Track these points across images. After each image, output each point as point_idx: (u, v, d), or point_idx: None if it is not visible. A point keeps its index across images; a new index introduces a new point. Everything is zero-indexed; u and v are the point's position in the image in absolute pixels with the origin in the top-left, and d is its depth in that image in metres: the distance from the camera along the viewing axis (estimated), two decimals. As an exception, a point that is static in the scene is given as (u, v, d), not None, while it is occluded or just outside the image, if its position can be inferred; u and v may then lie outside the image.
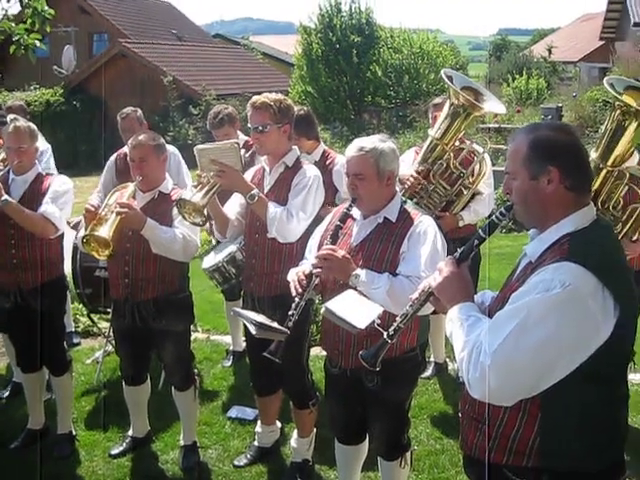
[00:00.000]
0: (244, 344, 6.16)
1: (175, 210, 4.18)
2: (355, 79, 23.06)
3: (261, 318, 3.39)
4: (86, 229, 4.08)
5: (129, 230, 4.17)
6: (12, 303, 4.68)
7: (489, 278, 5.29)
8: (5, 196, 4.34)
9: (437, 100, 5.45)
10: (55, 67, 21.46)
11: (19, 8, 6.35)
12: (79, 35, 26.90)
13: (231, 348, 6.30)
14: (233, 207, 4.24)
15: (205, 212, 3.90)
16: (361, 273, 3.27)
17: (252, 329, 3.38)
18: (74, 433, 5.04)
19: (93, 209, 4.12)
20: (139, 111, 5.86)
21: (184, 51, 27.63)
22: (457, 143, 5.01)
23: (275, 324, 3.34)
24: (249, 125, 4.06)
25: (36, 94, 22.80)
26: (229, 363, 6.17)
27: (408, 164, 5.10)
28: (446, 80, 4.91)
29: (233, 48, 35.37)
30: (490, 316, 2.34)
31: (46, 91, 23.28)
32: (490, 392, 2.19)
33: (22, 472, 4.67)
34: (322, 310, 3.14)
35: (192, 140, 19.11)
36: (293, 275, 3.46)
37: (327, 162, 5.06)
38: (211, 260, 4.76)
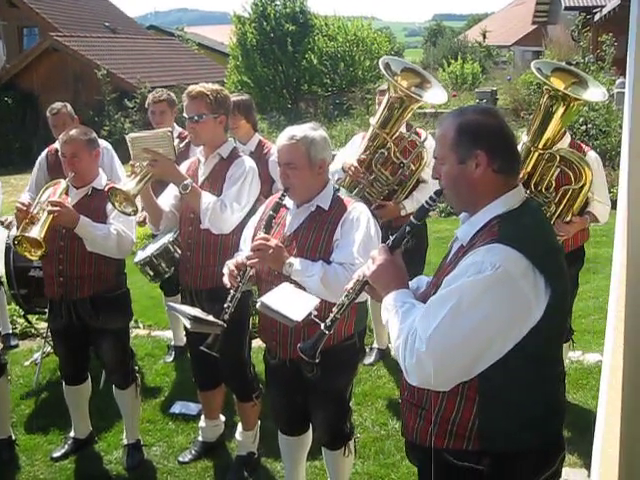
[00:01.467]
0: (185, 339, 6.12)
1: (109, 206, 4.11)
2: (291, 68, 23.03)
3: (195, 311, 3.37)
4: (18, 228, 3.98)
5: (62, 228, 4.08)
6: None
7: (429, 262, 5.34)
8: None
9: (383, 86, 5.45)
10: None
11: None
12: (8, 29, 26.34)
13: (172, 343, 6.25)
14: (167, 199, 4.19)
15: (137, 202, 3.81)
16: (295, 261, 3.26)
17: (187, 323, 3.36)
18: (13, 438, 4.92)
19: (24, 208, 4.02)
20: (69, 106, 5.74)
21: (117, 44, 27.18)
22: (399, 132, 5.00)
23: (210, 317, 3.32)
24: (184, 115, 4.00)
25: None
26: (171, 358, 6.11)
27: (355, 149, 5.11)
28: (384, 72, 4.89)
29: (168, 39, 34.95)
30: (425, 302, 2.34)
31: (-23, 89, 22.75)
32: (427, 378, 2.20)
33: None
34: (258, 305, 3.11)
35: (128, 133, 18.88)
36: (227, 268, 3.43)
37: (263, 152, 5.02)
38: (142, 254, 4.69)
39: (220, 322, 3.30)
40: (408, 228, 2.50)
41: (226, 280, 3.39)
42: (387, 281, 2.46)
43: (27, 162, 17.89)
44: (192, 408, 5.22)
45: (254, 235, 3.50)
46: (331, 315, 2.65)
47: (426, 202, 2.49)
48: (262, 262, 3.29)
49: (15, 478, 4.60)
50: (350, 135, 14.78)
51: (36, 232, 3.84)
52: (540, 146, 4.18)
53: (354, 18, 26.35)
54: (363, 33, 24.46)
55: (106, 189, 4.16)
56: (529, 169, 4.25)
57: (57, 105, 5.72)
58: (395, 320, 2.32)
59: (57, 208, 3.93)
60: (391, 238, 2.52)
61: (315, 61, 23.09)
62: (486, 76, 23.81)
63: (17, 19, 28.10)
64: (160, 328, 6.87)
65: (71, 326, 4.34)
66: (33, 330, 6.71)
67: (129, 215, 3.95)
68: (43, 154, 5.87)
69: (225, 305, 3.34)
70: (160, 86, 22.02)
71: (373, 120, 5.02)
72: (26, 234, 3.87)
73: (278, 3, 23.27)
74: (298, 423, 3.80)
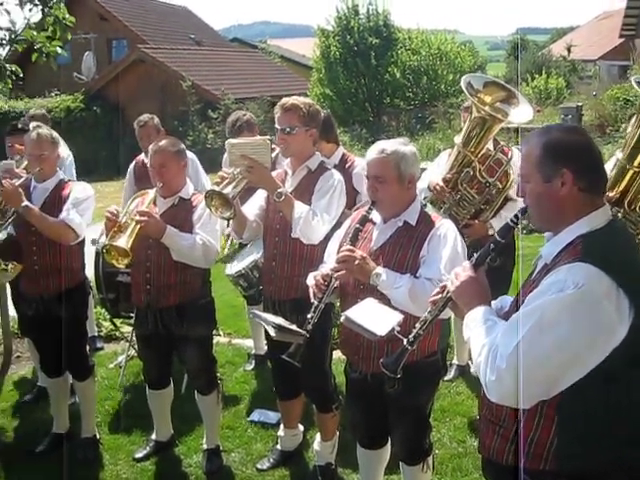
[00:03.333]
0: (266, 348, 6.19)
1: (196, 216, 4.21)
2: (373, 81, 23.09)
3: (279, 320, 3.41)
4: (107, 236, 4.10)
5: (150, 237, 4.18)
6: (35, 310, 4.73)
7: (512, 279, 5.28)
8: (26, 202, 4.39)
9: (467, 103, 5.39)
10: (75, 74, 21.64)
11: (40, 15, 6.38)
12: (98, 41, 27.05)
13: (253, 352, 6.32)
14: (252, 209, 4.25)
15: (234, 206, 3.85)
16: (382, 272, 3.27)
17: (271, 331, 3.40)
18: (98, 437, 5.08)
19: (113, 217, 4.13)
20: (156, 118, 5.90)
21: (202, 56, 27.74)
22: (485, 150, 4.95)
23: (294, 327, 3.36)
24: (276, 126, 4.06)
25: (57, 100, 23.00)
26: (251, 367, 6.19)
27: (441, 167, 5.11)
28: (466, 91, 4.86)
29: (251, 52, 35.46)
30: (507, 320, 2.34)
31: (67, 97, 23.46)
32: (507, 395, 2.21)
33: (47, 476, 4.71)
34: (342, 318, 3.14)
35: (211, 144, 19.21)
36: (312, 279, 3.47)
37: (347, 165, 5.06)
38: (235, 267, 4.79)
39: (303, 332, 3.33)
40: (492, 246, 2.51)
41: (311, 291, 3.43)
42: (470, 298, 2.46)
43: (112, 170, 18.40)
44: (271, 417, 5.27)
45: (339, 248, 3.55)
46: (414, 331, 2.68)
47: (510, 220, 2.49)
48: (348, 273, 3.32)
49: (99, 476, 4.74)
50: (432, 149, 14.75)
51: (124, 241, 3.94)
52: (636, 164, 4.10)
53: (437, 32, 26.30)
54: (446, 47, 24.39)
55: (194, 204, 4.28)
56: (623, 187, 4.16)
57: (144, 117, 5.88)
58: (477, 337, 2.33)
59: (145, 218, 4.03)
60: (475, 255, 2.52)
61: (398, 74, 23.13)
62: (571, 91, 23.38)
63: (107, 32, 28.91)
64: (240, 336, 6.96)
65: (156, 333, 4.43)
66: (117, 333, 6.91)
67: (227, 219, 4.02)
68: (131, 166, 6.05)
69: (308, 315, 3.38)
70: (243, 98, 22.60)
71: (458, 139, 4.99)
72: (114, 243, 3.97)
73: (362, 17, 23.37)
74: (377, 437, 3.81)
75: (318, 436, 4.53)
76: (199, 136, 20.53)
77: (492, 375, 2.20)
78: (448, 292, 2.55)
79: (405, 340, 2.70)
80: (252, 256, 4.82)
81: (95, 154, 21.71)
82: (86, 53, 22.03)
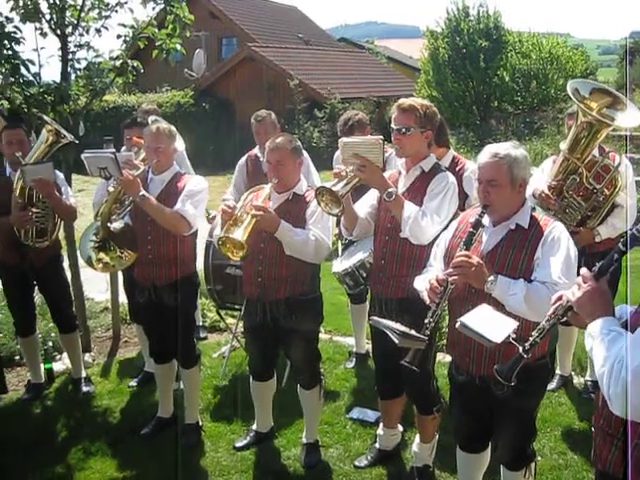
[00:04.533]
0: (367, 347, 6.23)
1: (309, 211, 4.27)
2: (482, 84, 22.77)
3: (401, 327, 3.41)
4: (222, 229, 4.20)
5: (263, 231, 4.26)
6: (147, 298, 4.89)
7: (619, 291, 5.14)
8: (143, 192, 4.53)
9: (572, 109, 5.29)
10: (186, 70, 22.13)
11: (155, 13, 6.58)
12: (209, 39, 27.60)
13: (354, 350, 6.36)
14: (364, 206, 4.28)
15: (342, 203, 3.89)
16: (496, 279, 3.25)
17: (394, 338, 3.39)
18: (201, 424, 5.22)
19: (229, 210, 4.23)
20: (273, 115, 5.99)
21: (310, 55, 28.00)
22: (591, 156, 4.86)
23: (414, 332, 3.36)
24: (392, 126, 4.06)
25: (168, 96, 23.66)
26: (351, 365, 6.22)
27: (545, 173, 5.04)
28: (572, 97, 4.77)
29: (358, 52, 35.52)
30: (631, 331, 2.29)
31: (177, 93, 24.12)
32: (631, 408, 2.16)
33: (151, 456, 4.89)
34: (457, 324, 3.13)
35: (316, 143, 19.40)
36: (424, 283, 3.47)
37: (457, 168, 5.03)
38: (342, 264, 4.83)
39: (423, 337, 3.33)
40: (616, 256, 2.45)
41: (426, 296, 3.44)
42: (593, 308, 2.42)
43: (219, 164, 18.80)
44: (370, 415, 5.30)
45: (448, 251, 3.54)
46: (530, 339, 2.67)
47: (637, 229, 2.42)
48: (463, 279, 3.31)
49: (200, 462, 4.86)
50: (539, 155, 14.44)
51: (239, 234, 4.02)
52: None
53: (549, 35, 25.73)
54: (558, 51, 23.81)
55: (308, 200, 4.34)
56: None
57: (262, 113, 5.98)
58: (601, 348, 2.28)
59: (260, 212, 4.10)
60: (597, 265, 2.47)
61: (507, 78, 22.75)
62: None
63: (218, 30, 29.50)
64: (341, 334, 7.01)
65: (264, 325, 4.51)
66: (221, 325, 7.08)
67: (335, 216, 4.08)
68: (243, 159, 6.16)
69: (426, 320, 3.37)
70: (349, 97, 22.70)
71: (563, 145, 4.91)
72: (230, 235, 4.06)
73: (472, 19, 23.07)
74: (479, 441, 3.79)
75: (417, 437, 4.53)
76: (304, 134, 20.71)
77: (617, 387, 2.16)
78: (568, 301, 2.51)
79: (520, 348, 2.70)
80: (359, 254, 4.84)
81: (202, 149, 22.20)
82: (197, 50, 22.46)
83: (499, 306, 3.24)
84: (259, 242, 4.33)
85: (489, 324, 3.02)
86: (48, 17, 6.00)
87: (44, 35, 6.10)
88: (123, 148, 5.86)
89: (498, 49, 22.87)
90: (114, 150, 5.00)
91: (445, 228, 3.86)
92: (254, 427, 5.07)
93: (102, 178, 4.74)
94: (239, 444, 5.01)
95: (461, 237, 3.46)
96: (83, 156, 4.70)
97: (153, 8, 6.44)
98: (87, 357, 6.49)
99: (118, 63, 6.18)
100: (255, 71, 24.48)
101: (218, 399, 5.73)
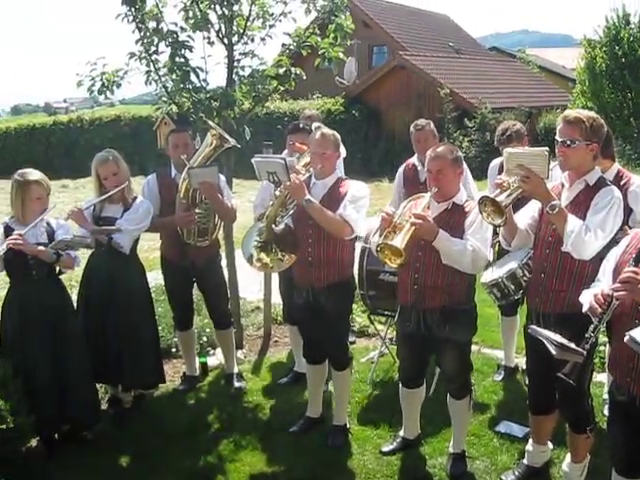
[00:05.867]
0: (516, 360, 6.14)
1: (468, 221, 4.27)
2: (640, 96, 21.83)
3: (559, 338, 3.36)
4: (380, 236, 4.26)
5: (421, 239, 4.28)
6: (304, 299, 5.02)
7: None
8: (308, 196, 4.66)
9: None
10: (337, 78, 22.41)
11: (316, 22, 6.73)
12: (360, 48, 27.86)
13: (503, 363, 6.27)
14: (524, 218, 4.24)
15: (505, 214, 3.87)
16: None
17: (552, 349, 3.35)
18: (348, 426, 5.30)
19: (388, 217, 4.29)
20: (432, 123, 6.03)
21: (460, 64, 27.74)
22: None
23: (573, 345, 3.31)
24: (557, 138, 4.01)
25: (318, 103, 24.09)
26: (500, 377, 6.14)
27: None
28: None
29: (509, 61, 34.86)
30: None
31: (328, 100, 24.53)
32: None
33: (300, 456, 5.02)
34: (625, 338, 3.05)
35: (466, 152, 19.17)
36: (589, 296, 3.40)
37: (622, 182, 4.87)
38: (491, 275, 4.79)
39: (582, 351, 3.28)
40: None
41: (588, 309, 3.36)
42: None
43: (367, 172, 18.93)
44: (516, 430, 5.22)
45: (617, 267, 3.45)
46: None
47: None
48: (630, 295, 3.22)
49: (346, 463, 4.94)
50: None
51: (398, 241, 4.06)
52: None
53: None
54: None
55: (467, 210, 4.34)
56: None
57: (421, 122, 6.03)
58: None
59: (420, 221, 4.12)
60: None
61: (668, 89, 21.72)
62: None
63: (369, 38, 29.69)
64: (487, 346, 6.93)
65: (417, 333, 4.53)
66: (370, 330, 7.16)
67: (498, 226, 4.06)
68: (401, 168, 6.22)
69: (587, 334, 3.31)
70: (500, 107, 22.34)
71: None
72: (389, 242, 4.11)
73: (633, 26, 22.16)
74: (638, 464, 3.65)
75: (568, 457, 4.43)
76: (453, 144, 20.43)
77: None
78: None
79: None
80: (509, 265, 4.79)
81: (350, 156, 22.43)
82: (349, 58, 22.72)
83: None
84: (417, 250, 4.36)
85: None
86: (217, 27, 6.27)
87: (211, 44, 6.38)
88: (284, 152, 6.04)
89: (662, 58, 21.86)
90: (284, 156, 5.17)
91: (612, 244, 3.76)
92: (401, 433, 5.10)
93: (270, 182, 4.91)
94: (386, 449, 5.05)
95: (632, 254, 3.37)
96: (254, 160, 4.88)
97: (317, 17, 6.62)
98: (239, 354, 6.74)
99: (281, 70, 6.38)
100: (405, 80, 24.50)
101: (365, 403, 5.80)
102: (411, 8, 35.96)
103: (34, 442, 5.22)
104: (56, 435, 5.28)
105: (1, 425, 4.38)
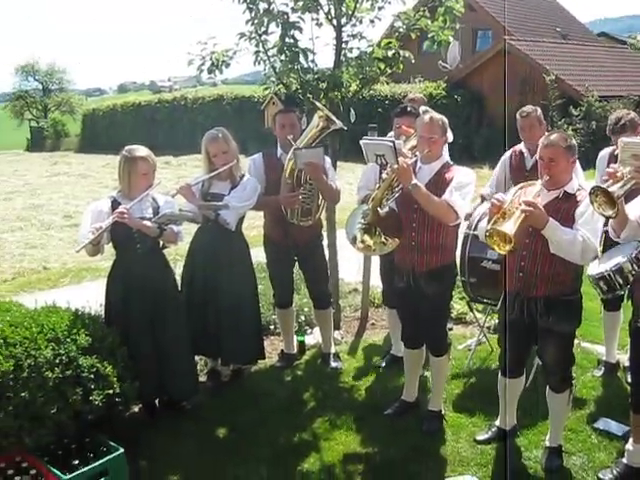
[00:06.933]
0: (618, 357, 5.99)
1: (578, 211, 4.18)
2: None
3: None
4: (489, 222, 4.20)
5: (530, 227, 4.22)
6: (405, 283, 5.01)
7: None
8: (415, 180, 4.65)
9: None
10: (440, 62, 22.19)
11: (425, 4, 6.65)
12: (464, 32, 27.37)
13: (604, 358, 6.12)
14: (635, 208, 4.11)
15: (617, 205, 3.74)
16: None
17: None
18: (443, 412, 5.29)
19: (498, 203, 4.22)
20: (539, 110, 5.92)
21: (567, 50, 26.95)
22: None
23: None
24: None
25: (420, 87, 23.91)
26: (600, 373, 6.00)
27: None
28: None
29: (618, 47, 33.64)
30: None
31: (430, 84, 24.34)
32: None
33: (393, 438, 5.05)
34: None
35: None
36: None
37: None
38: (597, 267, 4.68)
39: None
40: None
41: None
42: None
43: (467, 158, 18.68)
44: (615, 428, 5.08)
45: None
46: None
47: None
48: None
49: (440, 449, 4.93)
50: None
51: (508, 227, 3.99)
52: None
53: None
54: None
55: (578, 200, 4.25)
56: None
57: (528, 108, 5.92)
58: None
59: (530, 208, 4.05)
60: None
61: None
62: None
63: (473, 22, 29.11)
64: (587, 340, 6.78)
65: (520, 321, 4.47)
66: (467, 317, 7.12)
67: (609, 218, 3.88)
68: (507, 154, 6.12)
69: None
70: (607, 96, 21.66)
71: None
72: (498, 227, 4.05)
73: None
74: None
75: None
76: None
77: None
78: None
79: None
80: (616, 259, 4.65)
81: (452, 141, 22.23)
82: (452, 42, 22.45)
83: None
84: (524, 237, 4.29)
85: None
86: (326, 9, 6.28)
87: (319, 25, 6.39)
88: (389, 134, 6.03)
89: None
90: (393, 139, 5.16)
91: None
92: (497, 423, 5.05)
93: (377, 165, 4.91)
94: (480, 437, 5.02)
95: None
96: (362, 142, 4.90)
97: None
98: (336, 334, 6.79)
99: (390, 53, 6.35)
100: (509, 65, 23.95)
101: (461, 390, 5.77)
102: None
103: (136, 409, 5.43)
104: (157, 403, 5.46)
105: (108, 390, 4.53)
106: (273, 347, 6.69)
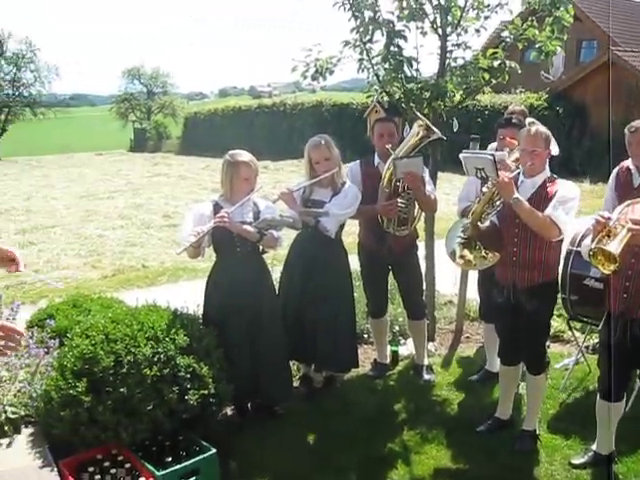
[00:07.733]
0: None
1: None
2: None
3: None
4: (593, 241, 4.08)
5: (636, 246, 4.09)
6: (505, 298, 4.90)
7: None
8: (517, 194, 4.55)
9: None
10: (542, 73, 21.74)
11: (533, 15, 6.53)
12: (568, 42, 26.78)
13: None
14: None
15: None
16: None
17: None
18: (537, 432, 5.15)
19: (603, 220, 4.10)
20: (647, 126, 5.70)
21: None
22: None
23: None
24: None
25: (521, 97, 23.50)
26: None
27: None
28: None
29: None
30: None
31: (531, 95, 23.90)
32: None
33: (485, 456, 4.94)
34: None
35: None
36: None
37: None
38: None
39: None
40: None
41: None
42: None
43: (565, 171, 18.21)
44: None
45: None
46: None
47: None
48: None
49: (533, 471, 4.80)
50: None
51: (614, 247, 3.87)
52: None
53: None
54: None
55: None
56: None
57: (637, 123, 5.69)
58: None
59: (637, 227, 3.91)
60: None
61: None
62: None
63: (578, 32, 28.44)
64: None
65: (622, 343, 4.34)
66: (565, 335, 6.94)
67: None
68: (615, 170, 5.93)
69: None
70: None
71: None
72: (603, 247, 3.92)
73: None
74: None
75: None
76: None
77: None
78: None
79: None
80: None
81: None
82: (557, 53, 21.98)
83: None
84: (630, 257, 4.17)
85: None
86: (431, 18, 6.25)
87: (424, 34, 6.36)
88: (490, 145, 5.94)
89: None
90: (493, 152, 5.08)
91: None
92: (593, 447, 4.87)
93: (477, 178, 4.84)
94: (576, 461, 4.85)
95: None
96: (462, 155, 4.84)
97: (529, 9, 6.43)
98: (430, 346, 6.72)
99: (496, 63, 6.26)
100: (615, 76, 23.32)
101: (557, 410, 5.61)
102: (625, 1, 34.06)
103: (229, 411, 5.50)
104: (249, 406, 5.52)
105: (203, 390, 4.60)
106: (366, 356, 6.66)
